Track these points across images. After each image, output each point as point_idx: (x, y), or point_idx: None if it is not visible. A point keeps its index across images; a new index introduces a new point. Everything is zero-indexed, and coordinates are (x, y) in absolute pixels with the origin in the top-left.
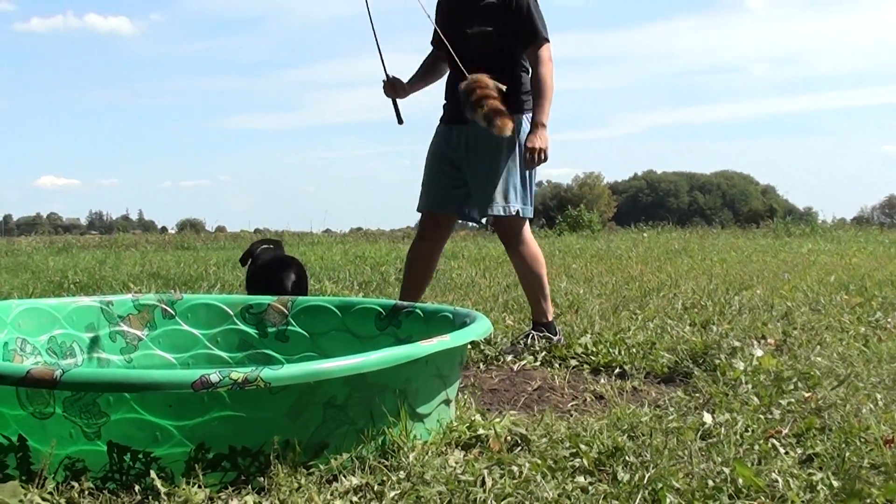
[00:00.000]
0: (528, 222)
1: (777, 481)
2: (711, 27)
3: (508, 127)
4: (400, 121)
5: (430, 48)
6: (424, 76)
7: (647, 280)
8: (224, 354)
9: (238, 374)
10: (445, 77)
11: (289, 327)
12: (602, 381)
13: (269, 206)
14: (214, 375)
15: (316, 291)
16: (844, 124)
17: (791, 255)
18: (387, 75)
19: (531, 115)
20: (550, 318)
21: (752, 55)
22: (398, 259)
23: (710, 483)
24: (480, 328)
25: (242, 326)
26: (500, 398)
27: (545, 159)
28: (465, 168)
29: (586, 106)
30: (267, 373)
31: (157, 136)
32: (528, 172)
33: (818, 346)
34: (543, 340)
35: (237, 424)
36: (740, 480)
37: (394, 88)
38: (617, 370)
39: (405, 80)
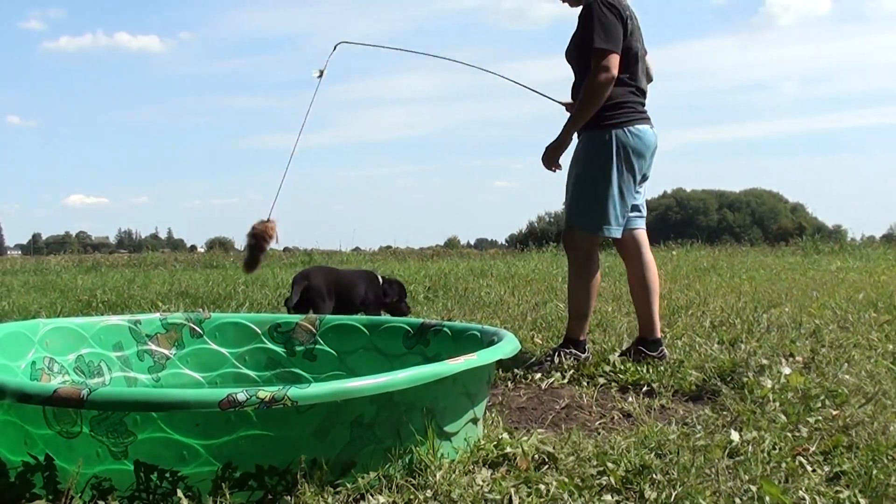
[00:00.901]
0: (591, 238)
1: (804, 499)
2: (742, 46)
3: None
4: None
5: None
6: None
7: (676, 298)
8: (252, 373)
9: (265, 392)
10: None
11: (317, 346)
12: (630, 399)
13: (299, 224)
14: (241, 394)
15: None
16: (873, 142)
17: (820, 272)
18: (562, 102)
19: (627, 128)
20: (580, 337)
21: (783, 73)
22: (426, 277)
23: (737, 501)
24: (508, 347)
25: (270, 345)
26: (528, 416)
27: (552, 166)
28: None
29: None
30: (294, 391)
31: (187, 154)
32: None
33: (846, 364)
34: (571, 358)
35: (264, 443)
36: (767, 498)
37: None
38: (645, 388)
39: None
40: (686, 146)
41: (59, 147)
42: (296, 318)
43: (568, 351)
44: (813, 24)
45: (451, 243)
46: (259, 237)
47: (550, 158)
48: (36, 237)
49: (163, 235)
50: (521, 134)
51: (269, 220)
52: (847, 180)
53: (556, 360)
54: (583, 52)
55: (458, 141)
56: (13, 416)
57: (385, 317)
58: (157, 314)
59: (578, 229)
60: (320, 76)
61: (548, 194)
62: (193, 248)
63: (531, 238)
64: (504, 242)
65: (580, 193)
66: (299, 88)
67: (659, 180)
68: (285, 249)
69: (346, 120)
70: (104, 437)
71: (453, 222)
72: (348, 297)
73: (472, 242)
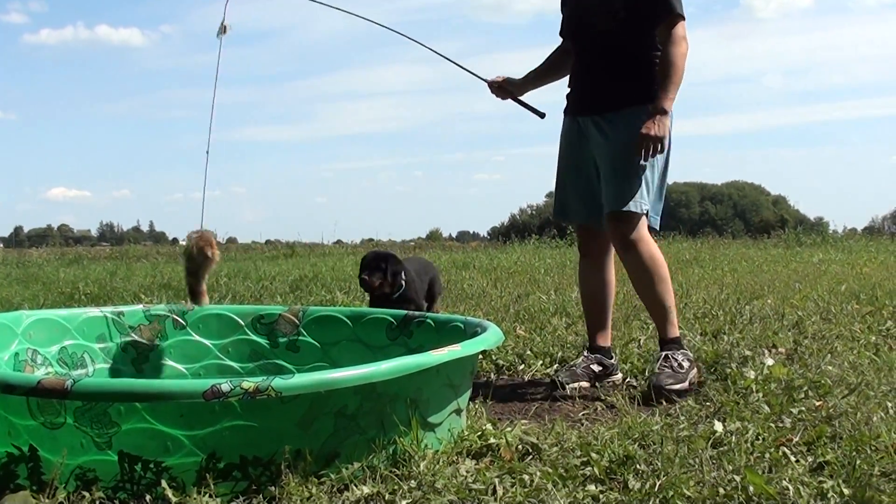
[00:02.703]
0: (644, 224)
1: (788, 489)
2: (724, 38)
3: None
4: (541, 114)
5: (558, 41)
6: (549, 72)
7: None
8: (235, 365)
9: (249, 383)
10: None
11: (300, 337)
12: (613, 390)
13: (281, 217)
14: (226, 385)
15: (327, 302)
16: (855, 135)
17: (802, 264)
18: (485, 80)
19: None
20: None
21: (764, 66)
22: None
23: (721, 491)
24: (492, 338)
25: (253, 337)
26: (511, 408)
27: (661, 150)
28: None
29: None
30: (278, 382)
31: (168, 147)
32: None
33: (829, 355)
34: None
35: (248, 434)
36: (751, 488)
37: (504, 90)
38: (627, 379)
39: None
40: (674, 136)
41: (41, 140)
42: (279, 309)
43: (683, 351)
44: (794, 17)
45: (433, 236)
46: (194, 257)
47: (662, 140)
48: (18, 230)
49: (145, 228)
50: (502, 127)
51: (200, 231)
52: (829, 173)
53: (685, 364)
54: (632, 9)
55: (439, 134)
56: None
57: (368, 308)
58: (140, 306)
59: (633, 217)
60: (223, 32)
61: (529, 187)
62: (175, 240)
63: (513, 230)
64: (486, 235)
65: (635, 174)
66: (281, 81)
67: None
68: (267, 242)
69: (326, 113)
70: (88, 428)
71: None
72: (432, 288)
73: (454, 235)
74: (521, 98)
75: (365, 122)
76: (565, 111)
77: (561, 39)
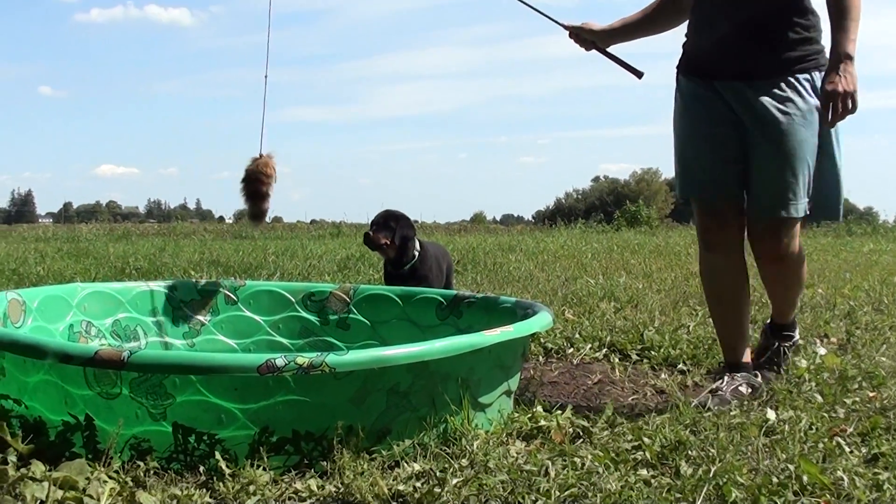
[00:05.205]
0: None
1: (842, 479)
2: None
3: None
4: (638, 73)
5: None
6: (647, 24)
7: None
8: (285, 341)
9: (303, 358)
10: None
11: (350, 315)
12: (663, 375)
13: (326, 197)
14: (280, 360)
15: (374, 282)
16: None
17: (852, 254)
18: (564, 25)
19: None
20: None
21: None
22: (455, 251)
23: (775, 479)
24: (543, 320)
25: (304, 314)
26: (561, 391)
27: (853, 109)
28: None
29: (644, 101)
30: (332, 358)
31: (217, 126)
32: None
33: (883, 346)
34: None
35: (301, 409)
36: (805, 477)
37: (584, 40)
38: (678, 366)
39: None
40: None
41: (91, 118)
42: (330, 286)
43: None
44: None
45: (478, 219)
46: (254, 179)
47: (853, 96)
48: (67, 206)
49: (192, 206)
50: (547, 110)
51: (261, 156)
52: (880, 162)
53: (789, 348)
54: None
55: (484, 116)
56: (54, 376)
57: (418, 288)
58: (193, 281)
59: (796, 223)
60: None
61: (574, 171)
62: (221, 218)
63: (559, 214)
64: (531, 219)
65: (801, 163)
66: (327, 62)
67: None
68: (312, 222)
69: (371, 95)
70: (143, 399)
71: (479, 198)
72: (449, 277)
73: (497, 218)
74: (608, 51)
75: (410, 105)
76: (686, 70)
77: None
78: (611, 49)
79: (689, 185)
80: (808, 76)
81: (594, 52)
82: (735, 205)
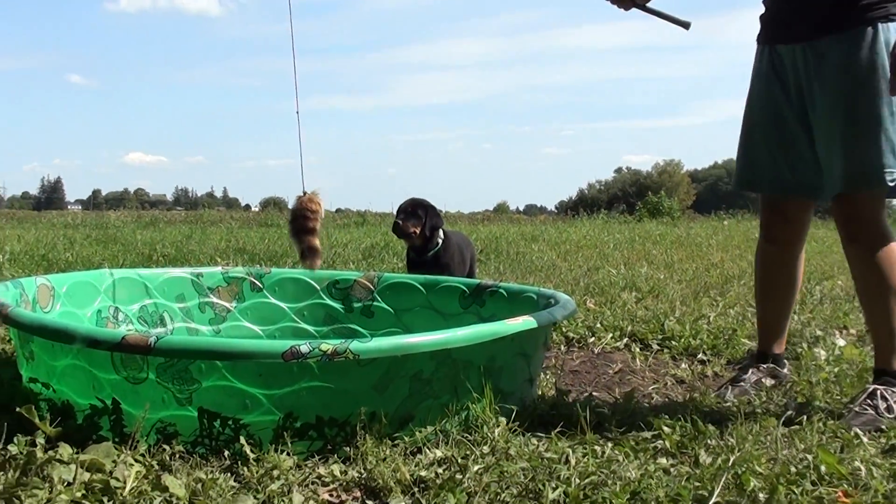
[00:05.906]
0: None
1: (860, 469)
2: None
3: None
4: (684, 24)
5: None
6: None
7: (728, 268)
8: (310, 328)
9: (328, 345)
10: None
11: (374, 303)
12: (683, 365)
13: (352, 186)
14: (305, 346)
15: (399, 270)
16: None
17: None
18: None
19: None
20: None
21: None
22: (478, 241)
23: (793, 469)
24: (565, 309)
25: (328, 301)
26: (582, 379)
27: None
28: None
29: (666, 93)
30: (356, 345)
31: (243, 115)
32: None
33: None
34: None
35: (325, 395)
36: (823, 467)
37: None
38: (699, 356)
39: None
40: (737, 117)
41: (119, 106)
42: (354, 274)
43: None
44: None
45: (501, 208)
46: (300, 216)
47: None
48: (96, 193)
49: (218, 194)
50: (571, 100)
51: (305, 193)
52: None
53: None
54: None
55: (508, 107)
56: (82, 360)
57: (442, 276)
58: (219, 268)
59: (880, 197)
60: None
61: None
62: (248, 207)
63: (581, 205)
64: (553, 209)
65: (877, 126)
66: (354, 52)
67: (709, 150)
68: (337, 210)
69: (397, 84)
70: (169, 384)
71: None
72: (472, 267)
73: (521, 208)
74: (650, 6)
75: (435, 94)
76: (760, 38)
77: None
78: (650, 4)
79: (751, 180)
80: (875, 27)
81: (634, 10)
82: (802, 204)
